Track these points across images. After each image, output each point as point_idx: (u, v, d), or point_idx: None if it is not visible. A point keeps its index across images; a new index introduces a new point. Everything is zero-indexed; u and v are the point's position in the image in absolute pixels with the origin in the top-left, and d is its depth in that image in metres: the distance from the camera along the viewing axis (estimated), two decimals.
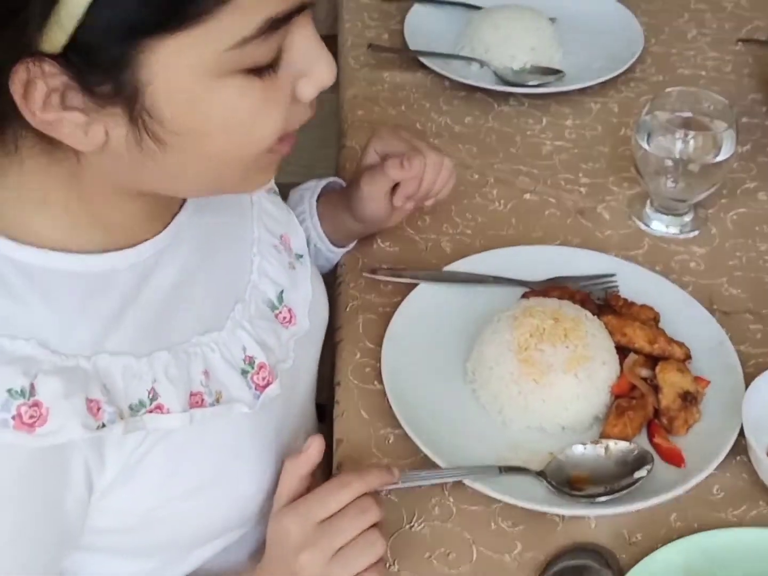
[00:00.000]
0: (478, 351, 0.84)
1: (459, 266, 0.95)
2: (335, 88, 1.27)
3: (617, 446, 0.77)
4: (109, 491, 0.64)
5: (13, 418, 0.56)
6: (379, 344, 0.88)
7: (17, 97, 0.53)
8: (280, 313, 0.76)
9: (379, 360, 0.87)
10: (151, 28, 0.51)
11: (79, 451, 0.60)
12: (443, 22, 1.33)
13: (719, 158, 0.97)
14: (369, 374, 0.87)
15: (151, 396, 0.63)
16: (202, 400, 0.66)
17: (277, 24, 0.55)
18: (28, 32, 0.51)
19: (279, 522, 0.68)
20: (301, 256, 0.82)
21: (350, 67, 1.29)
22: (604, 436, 0.79)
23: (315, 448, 0.71)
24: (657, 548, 0.72)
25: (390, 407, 0.82)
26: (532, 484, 0.76)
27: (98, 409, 0.59)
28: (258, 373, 0.71)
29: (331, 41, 1.50)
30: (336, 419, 0.85)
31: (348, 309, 0.94)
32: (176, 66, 0.53)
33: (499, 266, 0.95)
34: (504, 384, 0.81)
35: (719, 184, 1.01)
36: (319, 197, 0.94)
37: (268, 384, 0.71)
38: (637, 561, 0.71)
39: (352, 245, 0.98)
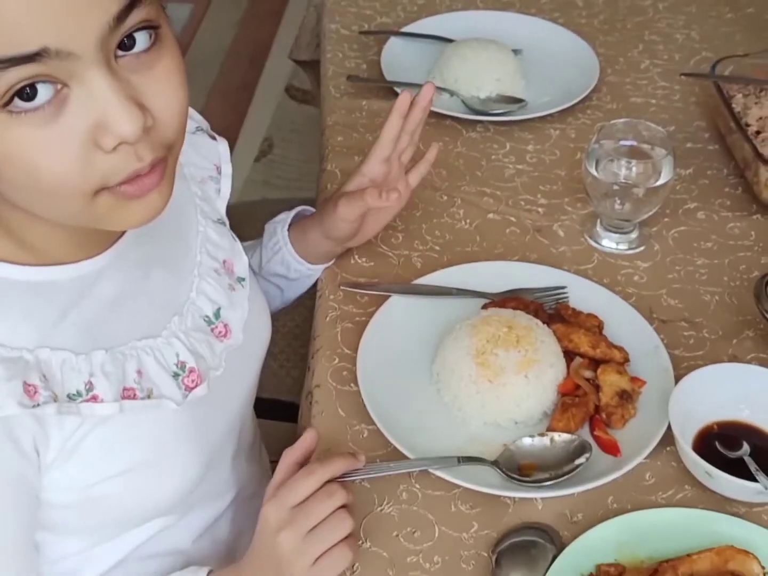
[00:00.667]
0: (441, 355, 0.95)
1: (427, 280, 1.06)
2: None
3: (561, 438, 0.88)
4: (51, 467, 0.74)
5: None
6: (356, 350, 0.99)
7: None
8: (216, 327, 0.86)
9: (355, 364, 0.98)
10: None
11: (26, 427, 0.70)
12: (417, 54, 1.44)
13: (659, 182, 1.08)
14: (346, 377, 0.98)
15: (87, 388, 0.73)
16: (135, 394, 0.76)
17: (27, 59, 0.56)
18: None
19: (266, 505, 0.78)
20: (243, 279, 0.91)
21: (331, 96, 1.39)
22: (550, 429, 0.90)
23: (309, 437, 0.82)
24: (594, 525, 0.83)
25: (364, 406, 0.93)
26: (487, 472, 0.87)
27: (35, 392, 0.70)
28: (188, 376, 0.80)
29: (315, 66, 1.62)
30: (315, 417, 0.96)
31: (327, 319, 1.05)
32: None
33: (463, 280, 1.06)
34: (464, 384, 0.92)
35: (660, 205, 1.12)
36: (290, 226, 1.06)
37: (196, 386, 0.81)
38: (576, 537, 0.82)
39: (330, 263, 1.09)
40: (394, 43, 1.46)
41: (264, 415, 1.10)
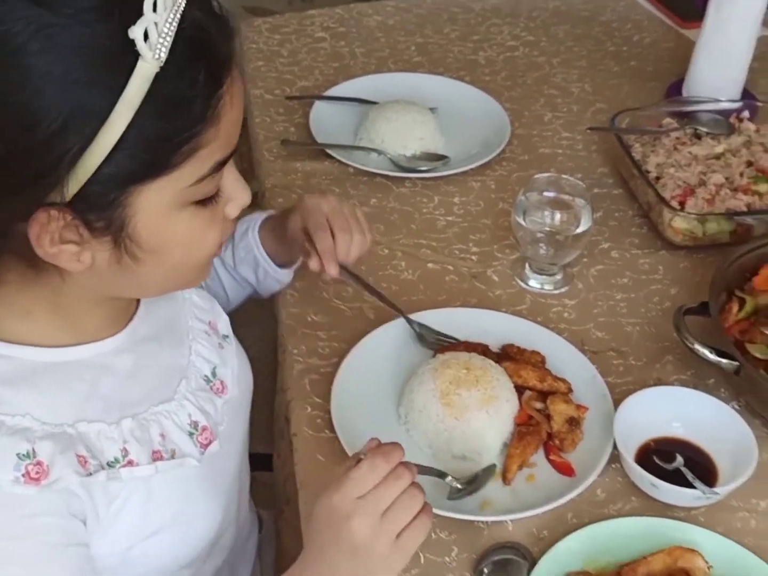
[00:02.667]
0: (408, 398, 1.05)
1: (383, 330, 1.16)
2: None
3: None
4: (96, 534, 0.80)
5: (23, 475, 0.73)
6: (325, 399, 1.08)
7: (33, 237, 0.70)
8: (214, 385, 0.94)
9: (326, 412, 1.07)
10: (139, 177, 0.70)
11: (80, 497, 0.77)
12: (343, 116, 1.55)
13: (580, 229, 1.22)
14: (320, 425, 1.07)
15: (123, 454, 0.81)
16: (162, 456, 0.84)
17: (220, 166, 0.74)
18: (48, 189, 0.67)
19: (326, 502, 0.77)
20: (227, 336, 1.00)
21: (266, 160, 1.48)
22: (508, 457, 1.01)
23: (374, 442, 0.82)
24: (560, 540, 0.94)
25: (341, 450, 1.02)
26: (460, 502, 0.97)
27: (85, 462, 0.77)
28: (201, 434, 0.89)
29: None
30: (297, 465, 1.04)
31: (294, 372, 1.13)
32: (154, 201, 0.71)
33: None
34: (432, 424, 1.02)
35: (582, 249, 1.25)
36: (260, 228, 1.15)
37: (210, 442, 0.89)
38: (545, 552, 0.93)
39: (295, 266, 1.18)
40: (319, 107, 1.56)
41: None
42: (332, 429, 1.04)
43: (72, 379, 0.80)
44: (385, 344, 1.14)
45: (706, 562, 0.91)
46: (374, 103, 1.54)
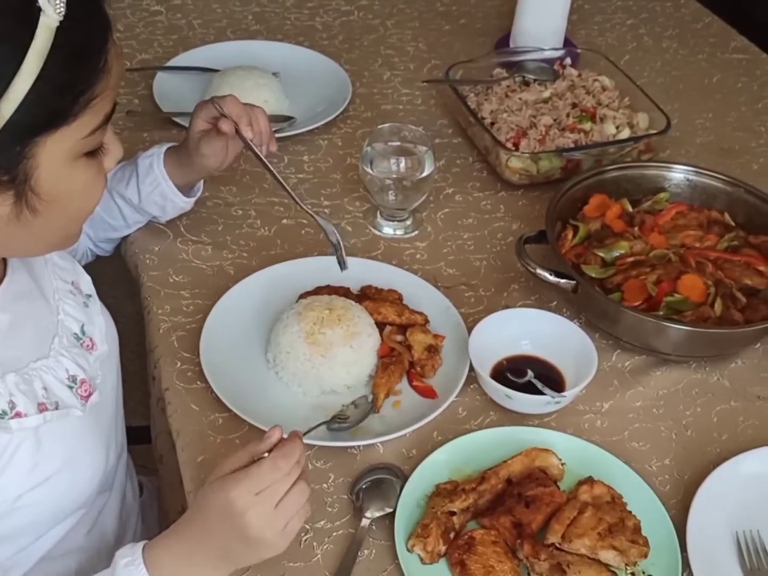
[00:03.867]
0: (274, 342, 1.10)
1: (243, 285, 1.19)
2: None
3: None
4: None
5: None
6: (193, 353, 1.11)
7: None
8: (84, 342, 0.97)
9: (195, 365, 1.10)
10: (44, 128, 0.73)
11: None
12: (186, 86, 1.57)
13: (424, 174, 1.29)
14: (191, 377, 1.10)
15: (11, 406, 0.83)
16: (47, 407, 0.86)
17: (107, 119, 0.79)
18: None
19: (224, 494, 0.80)
20: (90, 296, 1.02)
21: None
22: (375, 386, 1.07)
23: (276, 434, 0.85)
24: (427, 456, 1.01)
25: (213, 399, 1.06)
26: (332, 432, 1.03)
27: None
28: (81, 387, 0.92)
29: None
30: (171, 416, 1.06)
31: (161, 331, 1.16)
32: (55, 152, 0.75)
33: (275, 280, 1.20)
34: (300, 363, 1.07)
35: (428, 194, 1.33)
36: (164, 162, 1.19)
37: (89, 394, 0.93)
38: (415, 469, 1.00)
39: (199, 193, 1.26)
40: (161, 78, 1.57)
41: None
42: (203, 380, 1.08)
43: None
44: (248, 296, 1.18)
45: (560, 459, 1.00)
46: (216, 71, 1.56)
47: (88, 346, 0.96)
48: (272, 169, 1.14)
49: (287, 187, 1.13)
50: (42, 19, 0.70)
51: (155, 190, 1.19)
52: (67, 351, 0.91)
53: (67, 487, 0.89)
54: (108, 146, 0.83)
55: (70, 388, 0.90)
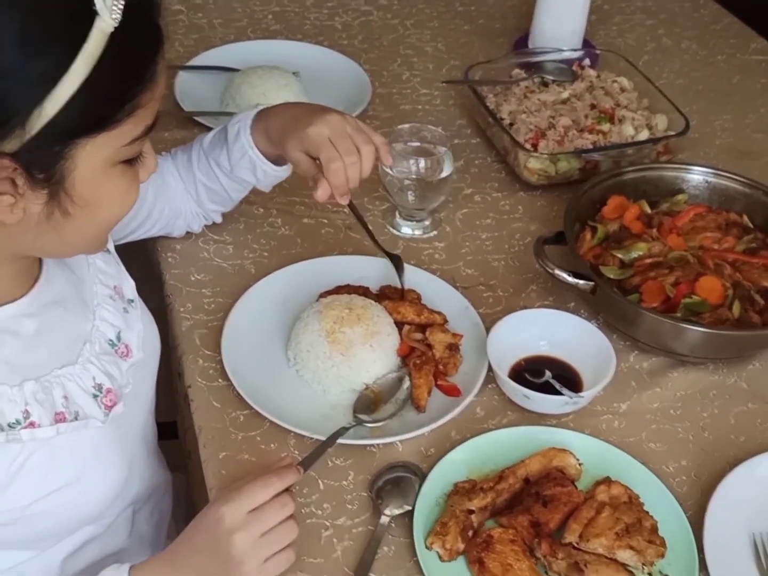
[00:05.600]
0: (295, 341, 1.11)
1: (264, 283, 1.21)
2: None
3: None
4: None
5: None
6: (215, 351, 1.13)
7: None
8: (119, 349, 0.97)
9: (217, 363, 1.11)
10: (86, 131, 0.74)
11: None
12: (207, 85, 1.58)
13: (443, 175, 1.30)
14: (213, 375, 1.11)
15: (25, 416, 0.83)
16: (65, 417, 0.87)
17: (149, 130, 0.79)
18: None
19: (215, 509, 0.83)
20: (132, 301, 1.02)
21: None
22: (415, 388, 1.07)
23: (293, 475, 0.87)
24: (446, 455, 1.02)
25: (235, 396, 1.07)
26: (353, 430, 1.04)
27: None
28: (106, 396, 0.92)
29: None
30: (194, 413, 1.08)
31: (183, 329, 1.17)
32: (94, 156, 0.75)
33: (296, 278, 1.22)
34: (320, 361, 1.08)
35: (447, 194, 1.33)
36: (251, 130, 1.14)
37: (114, 404, 0.93)
38: (433, 467, 1.01)
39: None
40: (183, 77, 1.59)
41: None
42: (225, 377, 1.09)
43: None
44: (268, 295, 1.19)
45: (577, 460, 1.01)
46: (237, 70, 1.58)
47: (123, 353, 0.96)
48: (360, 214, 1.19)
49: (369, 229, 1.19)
50: (97, 23, 0.70)
51: (243, 158, 1.15)
52: (97, 358, 0.92)
53: (80, 498, 0.90)
54: (145, 158, 0.83)
55: (95, 397, 0.90)
